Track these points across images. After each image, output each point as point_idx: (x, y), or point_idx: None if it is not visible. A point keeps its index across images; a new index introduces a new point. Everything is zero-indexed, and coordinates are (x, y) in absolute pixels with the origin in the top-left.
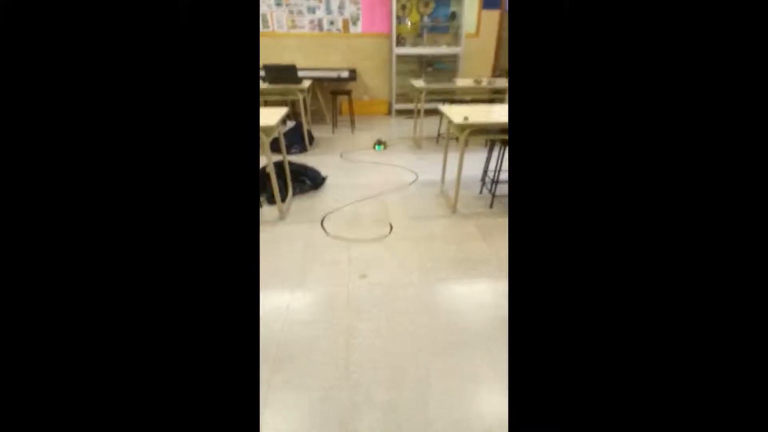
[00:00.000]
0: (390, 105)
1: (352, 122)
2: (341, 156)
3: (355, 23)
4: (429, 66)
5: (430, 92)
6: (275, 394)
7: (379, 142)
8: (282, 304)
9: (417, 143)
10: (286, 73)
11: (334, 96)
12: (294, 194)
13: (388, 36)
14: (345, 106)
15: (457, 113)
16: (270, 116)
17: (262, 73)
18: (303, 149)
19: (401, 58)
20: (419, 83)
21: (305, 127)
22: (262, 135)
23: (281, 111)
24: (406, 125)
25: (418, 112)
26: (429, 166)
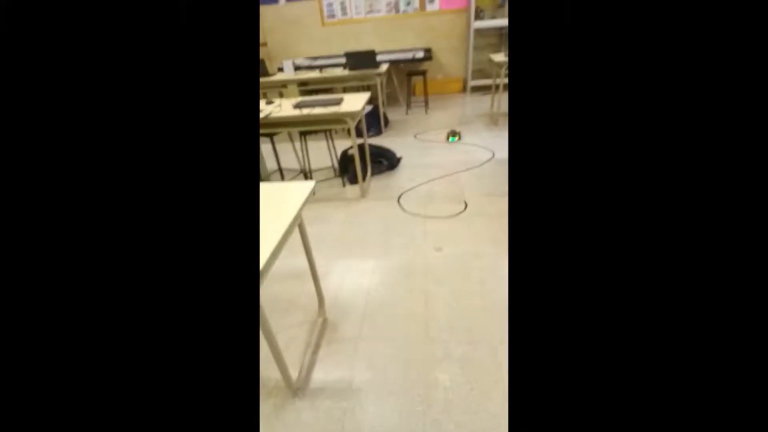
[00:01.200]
0: (465, 82)
1: (426, 103)
2: (415, 137)
3: (432, 0)
4: None
5: None
6: (364, 343)
7: (453, 133)
8: (368, 269)
9: (494, 120)
10: (365, 59)
11: (409, 77)
12: (372, 174)
13: (466, 10)
14: (419, 87)
15: None
16: (354, 102)
17: (342, 60)
18: (379, 132)
19: (479, 33)
20: (499, 57)
21: (381, 110)
22: (348, 119)
23: (364, 96)
24: (482, 102)
25: (497, 87)
26: (505, 144)
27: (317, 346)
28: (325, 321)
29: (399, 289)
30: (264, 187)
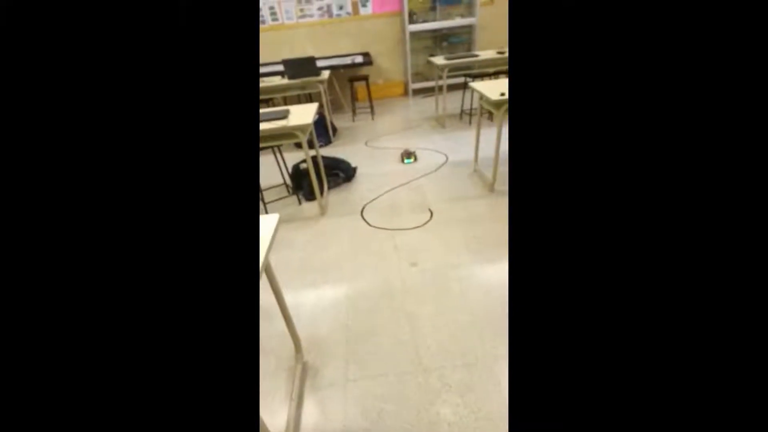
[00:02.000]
0: (406, 85)
1: (372, 108)
2: (366, 144)
3: (365, 4)
4: (443, 41)
5: (452, 68)
6: (352, 385)
7: (408, 154)
8: (341, 296)
9: (440, 122)
10: (305, 66)
11: (352, 83)
12: (329, 188)
13: (400, 14)
14: (361, 92)
15: (490, 89)
16: (302, 114)
17: (280, 68)
18: (328, 141)
19: (415, 36)
20: (440, 60)
21: (328, 119)
22: (299, 133)
23: (312, 108)
24: (426, 104)
25: (440, 89)
26: (457, 146)
27: (300, 398)
28: (305, 366)
29: (379, 315)
30: None
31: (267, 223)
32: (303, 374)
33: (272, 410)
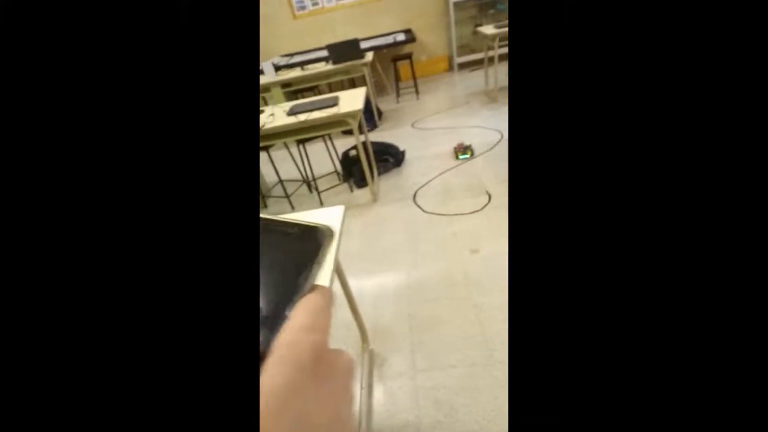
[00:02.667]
0: (451, 60)
1: (416, 88)
2: (413, 126)
3: None
4: (490, 8)
5: (503, 37)
6: (422, 376)
7: (463, 149)
8: (402, 285)
9: (491, 97)
10: (349, 50)
11: (395, 62)
12: (379, 174)
13: None
14: (404, 72)
15: None
16: (351, 100)
17: (323, 54)
18: (374, 126)
19: (458, 6)
20: (489, 29)
21: (373, 102)
22: (350, 120)
23: (361, 93)
24: (473, 79)
25: (490, 61)
26: None
27: (370, 386)
28: (371, 354)
29: (443, 305)
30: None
31: (334, 214)
32: (371, 363)
33: None
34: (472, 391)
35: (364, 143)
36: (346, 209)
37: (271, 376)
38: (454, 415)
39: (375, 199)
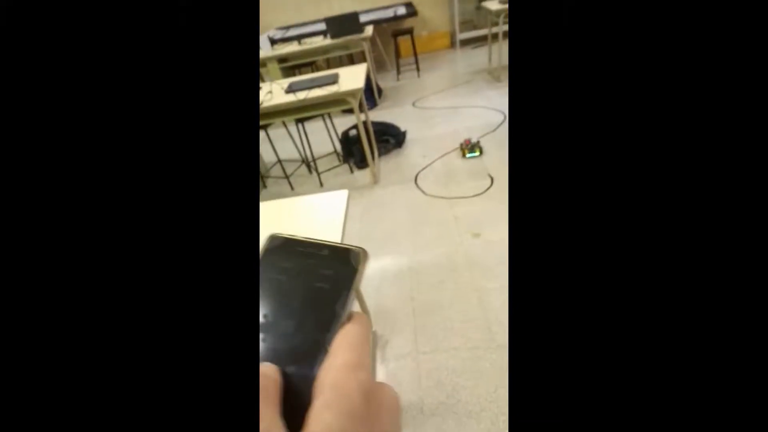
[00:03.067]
0: (453, 36)
1: (417, 65)
2: (414, 105)
3: None
4: None
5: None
6: (424, 358)
7: (471, 146)
8: (404, 266)
9: (495, 75)
10: (348, 23)
11: (395, 38)
12: (380, 155)
13: None
14: (404, 48)
15: None
16: (352, 78)
17: (321, 27)
18: (374, 104)
19: None
20: (494, 5)
21: (373, 79)
22: (350, 99)
23: (361, 70)
24: (476, 56)
25: (494, 37)
26: None
27: (373, 368)
28: (375, 336)
29: (445, 289)
30: (290, 204)
31: (337, 199)
32: (374, 345)
33: None
34: (473, 373)
35: (364, 123)
36: (348, 191)
37: (324, 423)
38: (456, 396)
39: (376, 180)
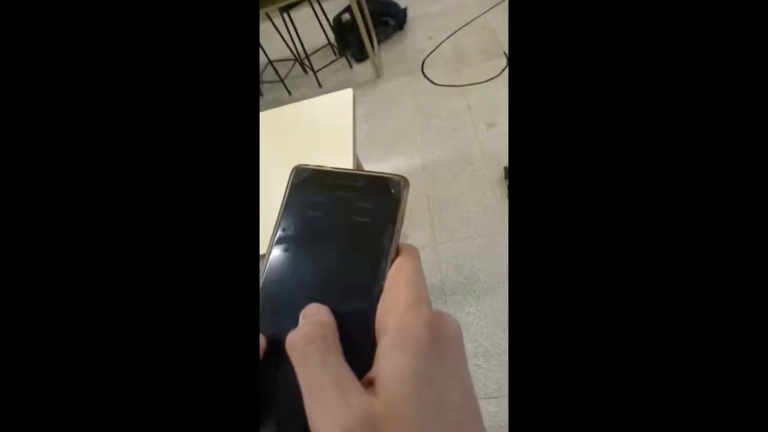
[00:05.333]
0: None
1: None
2: None
3: None
4: None
5: None
6: (442, 247)
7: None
8: (417, 165)
9: None
10: None
11: None
12: (380, 42)
13: None
14: None
15: None
16: None
17: None
18: None
19: None
20: None
21: None
22: None
23: None
24: None
25: None
26: None
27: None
28: None
29: (460, 183)
30: (290, 111)
31: (340, 100)
32: None
33: None
34: (489, 257)
35: (358, 2)
36: (349, 90)
37: (397, 365)
38: (474, 278)
39: (378, 74)
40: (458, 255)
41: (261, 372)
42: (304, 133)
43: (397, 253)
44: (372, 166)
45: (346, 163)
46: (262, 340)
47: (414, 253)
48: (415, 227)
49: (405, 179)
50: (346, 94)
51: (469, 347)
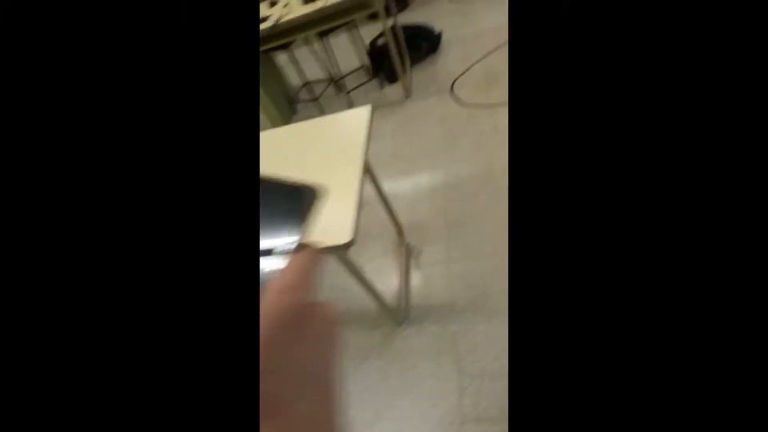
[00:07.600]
0: None
1: None
2: (450, 0)
3: None
4: None
5: None
6: (456, 264)
7: None
8: (438, 181)
9: None
10: None
11: None
12: (412, 64)
13: None
14: None
15: None
16: None
17: None
18: (404, 5)
19: None
20: None
21: None
22: (374, 1)
23: None
24: None
25: None
26: None
27: (408, 272)
28: (408, 247)
29: (480, 200)
30: (313, 125)
31: (359, 116)
32: (407, 253)
33: (385, 283)
34: (503, 276)
35: (392, 28)
36: (377, 109)
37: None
38: (486, 296)
39: (408, 95)
40: (471, 273)
41: None
42: (321, 145)
43: (299, 250)
44: (394, 182)
45: (353, 174)
46: None
47: (311, 252)
48: (431, 243)
49: (322, 188)
50: (365, 111)
51: (475, 367)
